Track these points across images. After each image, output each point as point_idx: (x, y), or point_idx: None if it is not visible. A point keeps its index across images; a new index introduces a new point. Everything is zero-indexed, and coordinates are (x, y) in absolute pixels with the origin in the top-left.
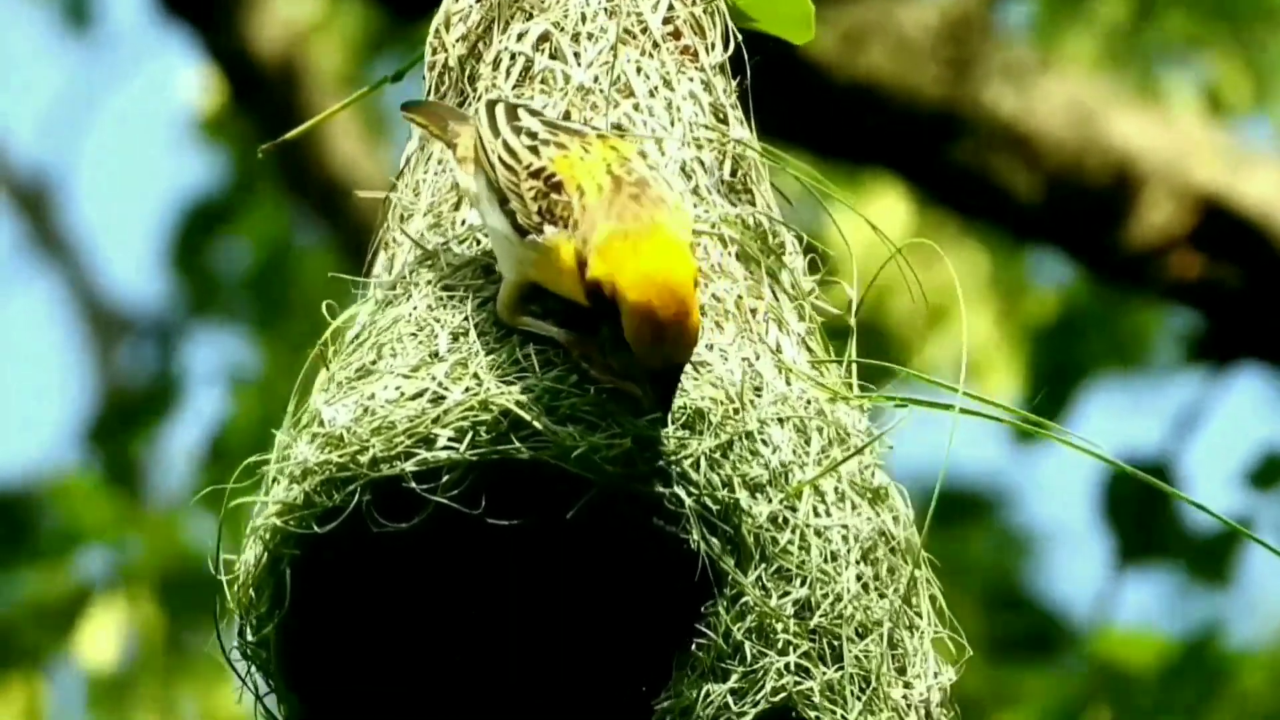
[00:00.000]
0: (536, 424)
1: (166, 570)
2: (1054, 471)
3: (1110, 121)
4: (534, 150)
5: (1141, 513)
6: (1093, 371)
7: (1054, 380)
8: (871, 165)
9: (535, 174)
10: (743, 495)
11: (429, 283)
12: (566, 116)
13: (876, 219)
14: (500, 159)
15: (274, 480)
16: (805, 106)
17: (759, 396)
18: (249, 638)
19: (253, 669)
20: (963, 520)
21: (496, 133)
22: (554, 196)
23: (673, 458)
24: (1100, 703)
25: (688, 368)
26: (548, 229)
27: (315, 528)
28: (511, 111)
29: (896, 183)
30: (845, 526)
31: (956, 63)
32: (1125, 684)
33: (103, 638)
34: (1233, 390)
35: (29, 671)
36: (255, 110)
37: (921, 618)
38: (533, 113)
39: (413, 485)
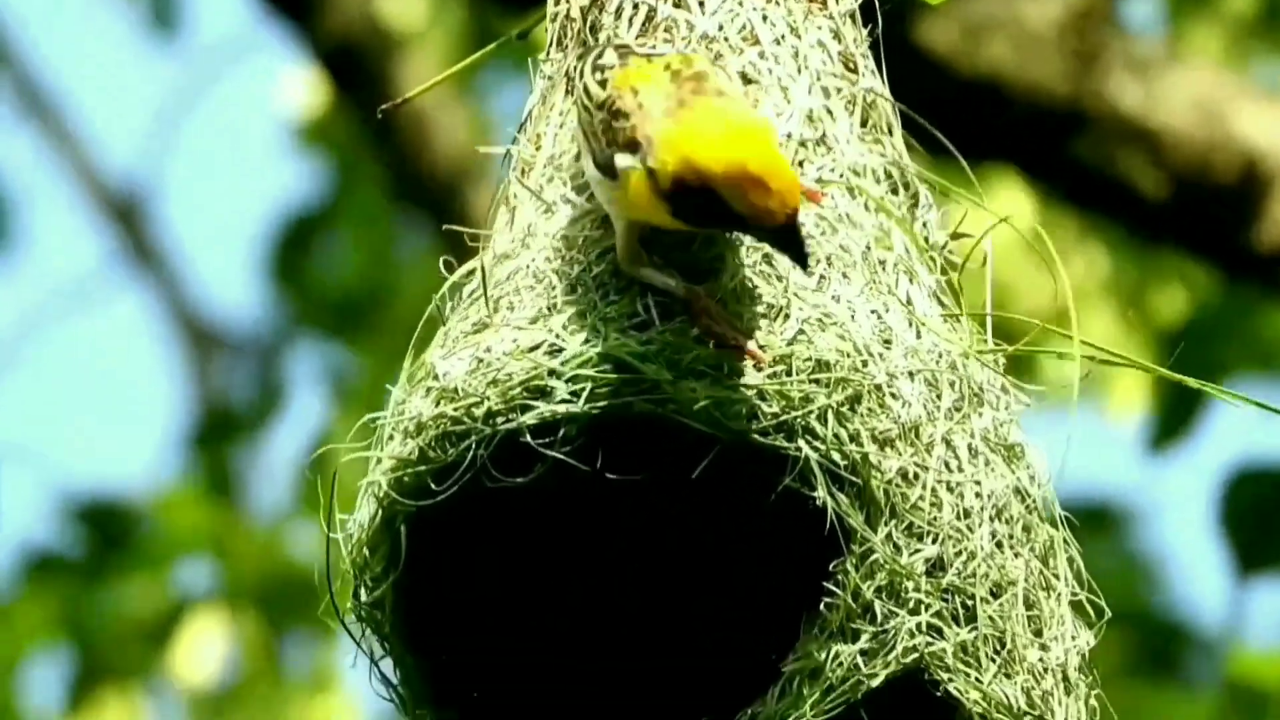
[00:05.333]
0: (657, 377)
1: (268, 583)
2: (1180, 487)
3: (1238, 117)
4: (602, 84)
5: (1263, 520)
6: (1225, 376)
7: (1184, 386)
8: (993, 161)
9: (600, 106)
10: (871, 449)
11: (547, 235)
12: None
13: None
14: (581, 102)
15: (389, 437)
16: (926, 101)
17: (888, 349)
18: (363, 599)
19: (367, 632)
20: (1089, 534)
21: (581, 76)
22: (616, 125)
23: (798, 412)
24: None
25: (813, 318)
26: (617, 159)
27: (431, 484)
28: (600, 54)
29: (1018, 179)
30: (978, 483)
31: (1080, 56)
32: (1261, 705)
33: (203, 652)
34: None
35: (127, 687)
36: (360, 106)
37: (1059, 579)
38: (618, 48)
39: (529, 440)
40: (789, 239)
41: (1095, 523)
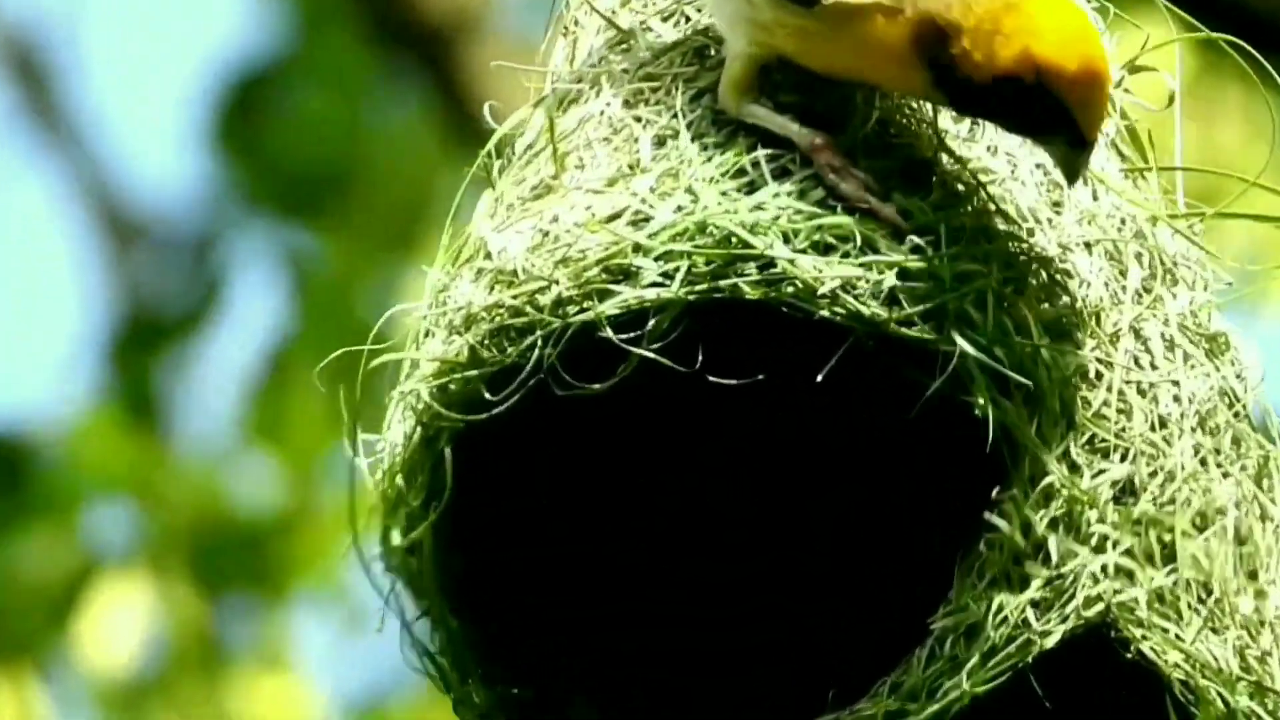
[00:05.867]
0: (772, 252)
1: (203, 536)
2: None
3: None
4: None
5: None
6: None
7: None
8: None
9: None
10: (1043, 341)
11: (624, 72)
12: None
13: (1148, 61)
14: None
15: (427, 333)
16: None
17: (1059, 214)
18: (396, 542)
19: (398, 585)
20: None
21: None
22: None
23: (950, 295)
24: None
25: (965, 173)
26: None
27: (485, 392)
28: None
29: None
30: (1176, 383)
31: None
32: None
33: (119, 625)
34: None
35: (19, 669)
36: None
37: (1276, 505)
38: None
39: (609, 334)
40: (1086, 156)
41: None
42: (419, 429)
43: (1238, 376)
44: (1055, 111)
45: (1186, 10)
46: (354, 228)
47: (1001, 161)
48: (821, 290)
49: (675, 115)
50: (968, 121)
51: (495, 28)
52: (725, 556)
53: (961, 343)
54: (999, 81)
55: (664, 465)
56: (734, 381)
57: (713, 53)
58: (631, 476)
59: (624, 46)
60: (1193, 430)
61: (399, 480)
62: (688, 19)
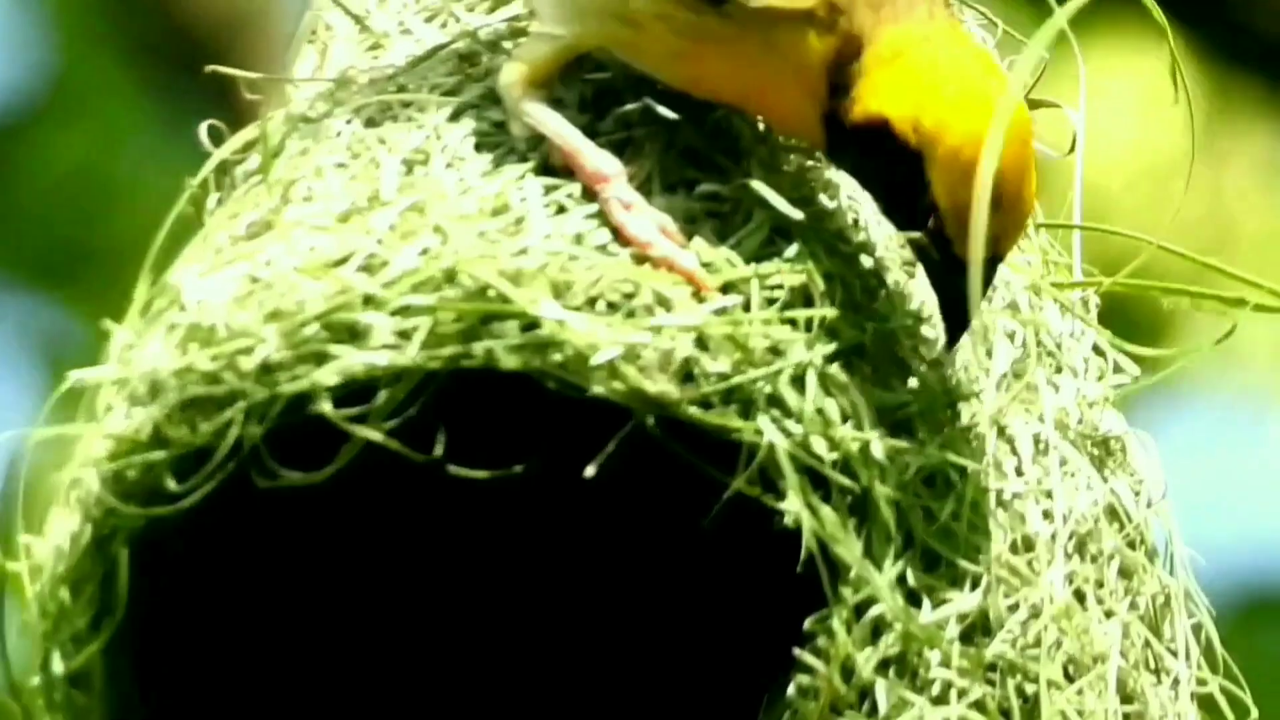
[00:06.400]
0: (535, 310)
1: None
2: None
3: None
4: None
5: None
6: None
7: None
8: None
9: None
10: (874, 436)
11: (371, 84)
12: None
13: (1140, 86)
14: None
15: (106, 406)
16: None
17: (911, 275)
18: (58, 671)
19: None
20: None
21: None
22: None
23: (759, 371)
24: None
25: (791, 220)
26: None
27: (169, 483)
28: None
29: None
30: (1049, 494)
31: None
32: None
33: None
34: None
35: None
36: None
37: (1177, 657)
38: None
39: (327, 410)
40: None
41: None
42: (88, 527)
43: (1135, 494)
44: (922, 190)
45: (1201, 33)
46: (127, 298)
47: (840, 206)
48: (596, 359)
49: (428, 136)
50: (791, 157)
51: (280, 29)
52: (498, 681)
53: (771, 432)
54: (870, 122)
55: (416, 573)
56: (484, 474)
57: (484, 60)
58: (376, 586)
59: (375, 51)
60: (1067, 556)
61: (63, 593)
62: (458, 19)
